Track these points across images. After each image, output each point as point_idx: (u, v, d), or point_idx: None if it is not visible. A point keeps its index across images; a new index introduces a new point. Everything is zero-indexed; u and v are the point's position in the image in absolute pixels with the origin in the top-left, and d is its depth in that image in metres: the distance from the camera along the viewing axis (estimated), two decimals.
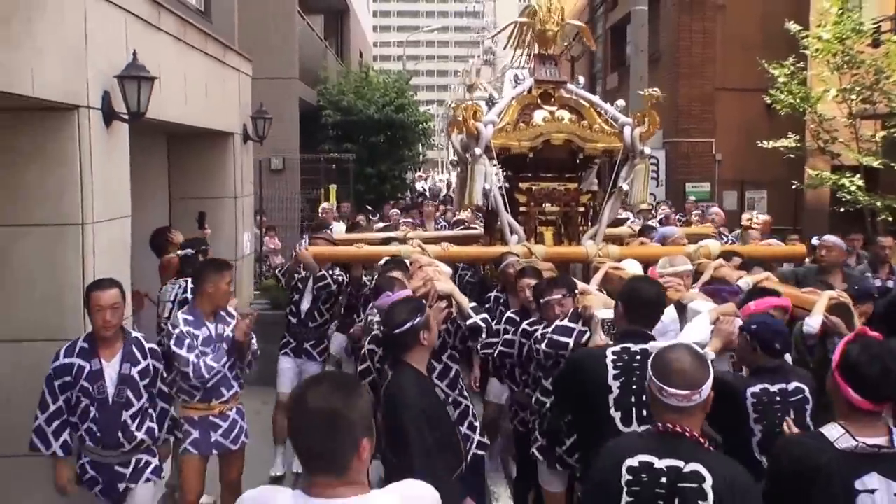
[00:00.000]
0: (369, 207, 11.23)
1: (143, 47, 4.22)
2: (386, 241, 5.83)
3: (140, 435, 3.31)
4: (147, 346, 3.39)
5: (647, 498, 2.01)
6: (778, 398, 2.79)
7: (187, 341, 3.62)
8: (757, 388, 2.79)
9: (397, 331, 2.87)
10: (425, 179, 31.24)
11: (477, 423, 3.61)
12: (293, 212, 10.97)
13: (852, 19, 8.98)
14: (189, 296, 4.23)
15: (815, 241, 5.47)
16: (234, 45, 6.72)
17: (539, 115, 5.54)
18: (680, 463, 1.98)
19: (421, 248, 5.05)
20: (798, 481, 2.11)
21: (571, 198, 5.68)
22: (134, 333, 3.40)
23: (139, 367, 3.31)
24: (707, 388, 2.05)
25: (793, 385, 2.83)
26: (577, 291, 3.66)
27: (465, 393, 3.70)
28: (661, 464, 2.00)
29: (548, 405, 3.48)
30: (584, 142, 5.47)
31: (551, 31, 5.66)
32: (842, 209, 9.23)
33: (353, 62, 18.91)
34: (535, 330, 3.65)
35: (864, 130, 9.23)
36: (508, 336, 3.98)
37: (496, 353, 4.05)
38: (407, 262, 4.41)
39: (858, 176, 8.89)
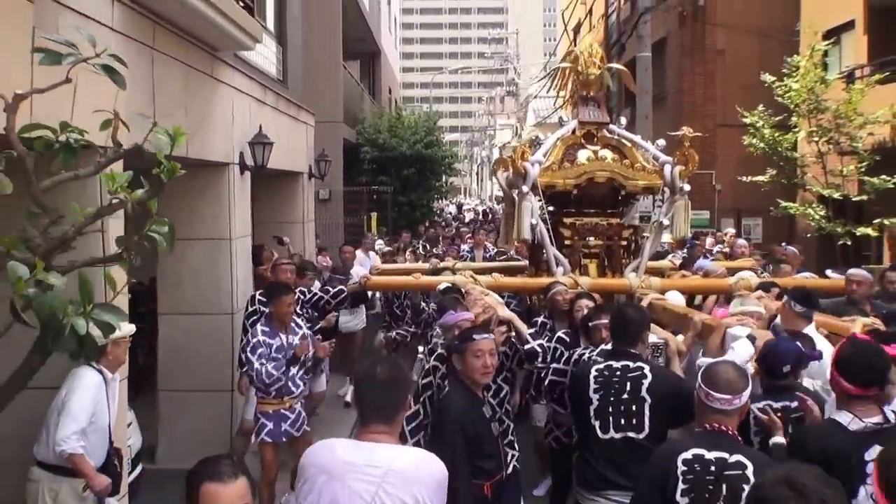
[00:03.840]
0: (372, 235, 12.23)
1: (258, 118, 6.09)
2: (436, 272, 6.09)
3: None
4: None
5: (699, 484, 2.30)
6: (779, 413, 2.96)
7: (260, 350, 4.29)
8: (760, 405, 2.98)
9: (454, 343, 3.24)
10: (458, 206, 32.53)
11: (515, 441, 3.74)
12: (338, 235, 12.70)
13: (817, 74, 10.59)
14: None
15: (829, 273, 5.80)
16: (303, 105, 8.60)
17: (583, 155, 5.74)
18: (725, 455, 2.31)
19: (473, 278, 5.27)
20: (820, 462, 2.27)
21: (614, 232, 5.83)
22: None
23: None
24: (745, 396, 2.37)
25: (794, 403, 2.97)
26: None
27: (509, 413, 3.86)
28: (710, 455, 2.32)
29: None
30: (626, 180, 5.64)
31: (593, 74, 5.91)
32: (808, 235, 10.73)
33: (384, 98, 20.87)
34: (582, 357, 3.81)
35: (837, 165, 10.64)
36: (559, 366, 4.03)
37: (547, 381, 4.11)
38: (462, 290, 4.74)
39: (821, 206, 10.40)
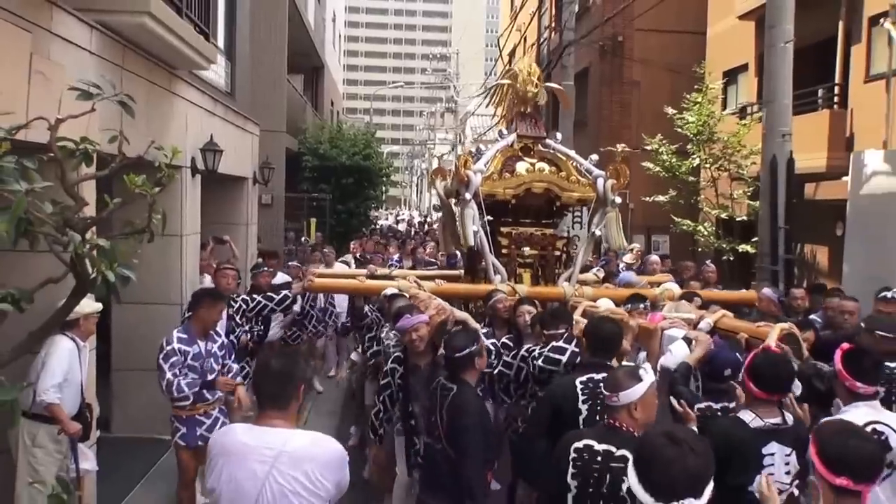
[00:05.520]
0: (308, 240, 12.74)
1: (209, 128, 6.82)
2: (375, 278, 6.30)
3: None
4: None
5: (585, 471, 2.53)
6: (720, 412, 3.27)
7: (174, 358, 4.22)
8: (703, 405, 3.29)
9: (458, 354, 3.36)
10: (395, 217, 33.00)
11: None
12: (279, 239, 13.32)
13: (708, 109, 12.07)
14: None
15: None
16: (250, 116, 9.32)
17: (521, 167, 5.93)
18: (613, 448, 2.52)
19: (417, 283, 5.41)
20: (724, 451, 2.57)
21: (548, 242, 6.02)
22: None
23: None
24: (629, 395, 2.54)
25: (733, 403, 3.28)
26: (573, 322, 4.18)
27: None
28: (599, 447, 2.54)
29: None
30: (562, 191, 5.84)
31: (531, 91, 6.10)
32: (700, 250, 12.14)
33: (326, 110, 21.55)
34: (532, 353, 3.99)
35: (728, 189, 12.02)
36: (507, 359, 4.30)
37: (496, 372, 4.31)
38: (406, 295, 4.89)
39: (709, 224, 11.82)
